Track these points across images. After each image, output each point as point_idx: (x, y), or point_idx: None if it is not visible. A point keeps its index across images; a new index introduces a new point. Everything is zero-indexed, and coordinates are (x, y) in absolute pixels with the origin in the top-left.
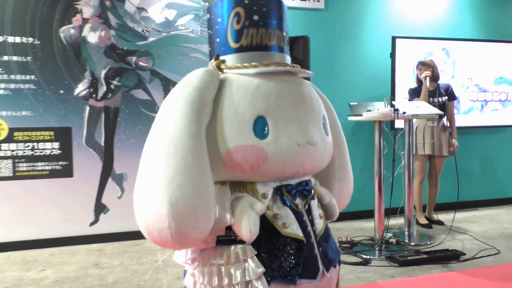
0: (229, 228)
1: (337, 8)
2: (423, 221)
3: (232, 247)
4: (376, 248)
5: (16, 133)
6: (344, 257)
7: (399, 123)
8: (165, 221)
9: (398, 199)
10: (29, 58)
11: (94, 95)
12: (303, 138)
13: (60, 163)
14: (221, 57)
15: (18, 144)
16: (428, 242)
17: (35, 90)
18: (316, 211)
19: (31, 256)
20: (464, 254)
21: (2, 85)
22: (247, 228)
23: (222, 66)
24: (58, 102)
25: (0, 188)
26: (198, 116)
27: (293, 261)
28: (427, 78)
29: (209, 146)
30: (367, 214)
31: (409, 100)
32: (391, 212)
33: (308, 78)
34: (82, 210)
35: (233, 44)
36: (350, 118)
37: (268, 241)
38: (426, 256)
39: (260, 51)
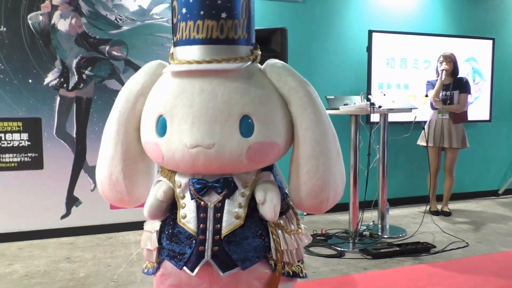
0: None
1: (315, 1)
2: (433, 208)
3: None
4: (350, 241)
5: None
6: (319, 250)
7: (375, 117)
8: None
9: (373, 192)
10: None
11: (65, 85)
12: (193, 140)
13: (29, 154)
14: (171, 50)
15: None
16: (400, 235)
17: (1, 79)
18: (232, 210)
19: None
20: (435, 246)
21: None
22: (146, 209)
23: (170, 60)
24: (27, 91)
25: None
26: (122, 108)
27: (183, 249)
28: (444, 72)
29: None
30: (342, 207)
31: (426, 92)
32: (365, 205)
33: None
34: (52, 203)
35: (174, 38)
36: (327, 111)
37: (173, 225)
38: (398, 248)
39: (189, 45)
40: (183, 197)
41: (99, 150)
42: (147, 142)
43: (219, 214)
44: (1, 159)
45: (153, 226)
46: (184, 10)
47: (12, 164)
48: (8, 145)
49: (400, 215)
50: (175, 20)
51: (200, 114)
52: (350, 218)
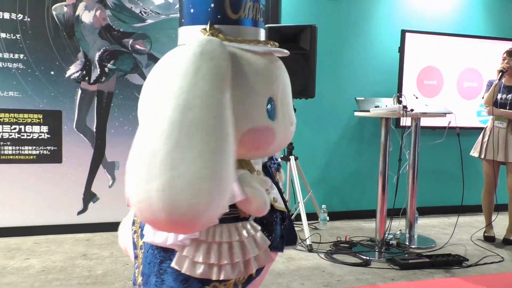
0: (232, 206)
1: None
2: (489, 233)
3: (239, 224)
4: (376, 250)
5: (2, 115)
6: (342, 257)
7: (405, 121)
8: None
9: (401, 200)
10: (18, 35)
11: (87, 78)
12: (292, 119)
13: (49, 148)
14: (216, 26)
15: (4, 126)
16: (430, 246)
17: (23, 70)
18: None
19: (14, 243)
20: (467, 260)
21: None
22: (263, 205)
23: (220, 37)
24: (48, 83)
25: None
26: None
27: (280, 233)
28: (502, 73)
29: None
30: (367, 214)
31: (483, 94)
32: (393, 213)
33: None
34: (70, 198)
35: (231, 14)
36: (356, 113)
37: (262, 216)
38: (428, 260)
39: (255, 27)
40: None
41: (119, 146)
42: (257, 128)
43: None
44: (21, 151)
45: (253, 228)
46: None
47: (31, 157)
48: (28, 137)
49: (429, 225)
50: None
51: (289, 93)
52: (376, 225)
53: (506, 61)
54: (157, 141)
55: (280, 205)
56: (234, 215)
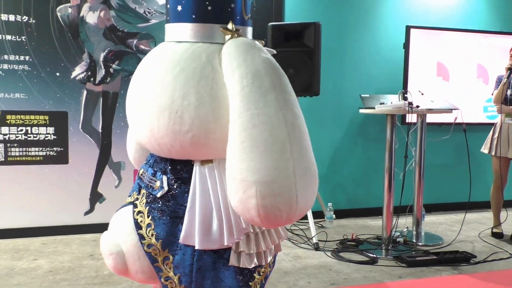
0: None
1: None
2: (497, 229)
3: None
4: (383, 247)
5: (8, 116)
6: (349, 255)
7: (411, 118)
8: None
9: (407, 197)
10: (23, 37)
11: (92, 79)
12: None
13: (55, 149)
14: (239, 27)
15: (11, 127)
16: (437, 243)
17: (29, 72)
18: None
19: (22, 244)
20: (475, 256)
21: None
22: None
23: (235, 35)
24: (54, 85)
25: None
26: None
27: None
28: (510, 70)
29: None
30: (373, 212)
31: (493, 90)
32: (400, 210)
33: None
34: (76, 198)
35: (245, 16)
36: (361, 110)
37: None
38: (435, 257)
39: (249, 26)
40: None
41: (125, 147)
42: None
43: None
44: (28, 152)
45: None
46: None
47: (38, 158)
48: (34, 138)
49: (436, 222)
50: None
51: None
52: (383, 223)
53: None
54: (282, 155)
55: None
56: None
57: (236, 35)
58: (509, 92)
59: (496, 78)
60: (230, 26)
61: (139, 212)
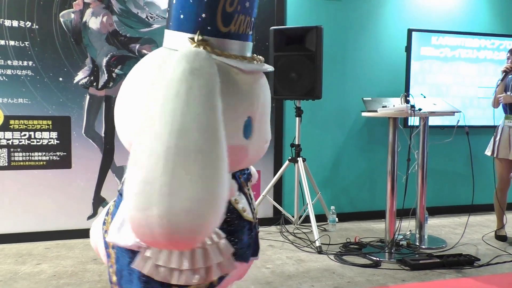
0: None
1: None
2: (500, 232)
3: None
4: (386, 251)
5: (12, 121)
6: (353, 259)
7: (413, 121)
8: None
9: (410, 200)
10: (26, 43)
11: (94, 84)
12: (267, 137)
13: (58, 153)
14: (205, 37)
15: (14, 132)
16: (440, 246)
17: (32, 77)
18: (252, 194)
19: (25, 249)
20: (479, 259)
21: None
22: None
23: (208, 49)
24: (57, 90)
25: None
26: (219, 104)
27: (247, 242)
28: (506, 73)
29: None
30: (376, 215)
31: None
32: (403, 213)
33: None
34: (79, 203)
35: (221, 28)
36: (364, 114)
37: (229, 224)
38: (438, 260)
39: (243, 41)
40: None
41: (127, 151)
42: (232, 146)
43: (250, 199)
44: (31, 157)
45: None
46: (247, 4)
47: (41, 163)
48: (38, 143)
49: (439, 225)
50: (230, 9)
51: (268, 111)
52: (386, 226)
53: (510, 60)
54: (153, 169)
55: (248, 215)
56: None
57: (201, 46)
58: (508, 93)
59: (497, 82)
60: (195, 36)
61: (106, 231)
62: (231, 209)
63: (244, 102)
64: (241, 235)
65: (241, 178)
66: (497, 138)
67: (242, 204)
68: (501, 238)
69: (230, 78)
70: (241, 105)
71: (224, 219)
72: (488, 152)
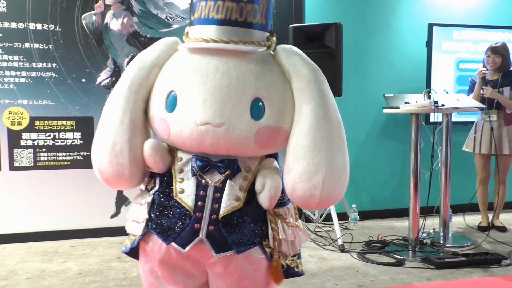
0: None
1: None
2: (483, 223)
3: (145, 193)
4: (410, 249)
5: (37, 122)
6: (376, 257)
7: (435, 117)
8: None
9: (434, 198)
10: (50, 45)
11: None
12: (203, 117)
13: (82, 153)
14: (186, 29)
15: (39, 133)
16: (465, 244)
17: (56, 79)
18: (233, 191)
19: (51, 247)
20: (506, 258)
21: (24, 73)
22: (147, 144)
23: (184, 38)
24: (80, 91)
25: (20, 178)
26: (135, 76)
27: (174, 224)
28: (481, 77)
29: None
30: (397, 213)
31: (467, 92)
32: (426, 211)
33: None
34: (103, 202)
35: (191, 17)
36: (385, 110)
37: (166, 198)
38: (464, 258)
39: (206, 25)
40: (182, 171)
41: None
42: (154, 117)
43: (218, 194)
44: (55, 157)
45: (145, 198)
46: None
47: (65, 163)
48: (62, 143)
49: (463, 223)
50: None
51: (213, 92)
52: (410, 224)
53: (491, 59)
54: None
55: (183, 198)
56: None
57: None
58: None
59: (470, 79)
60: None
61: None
62: (171, 186)
63: (170, 75)
64: (167, 211)
65: (195, 161)
66: (477, 134)
67: (183, 186)
68: (484, 228)
69: (173, 56)
70: (165, 78)
71: (161, 190)
72: (467, 148)
